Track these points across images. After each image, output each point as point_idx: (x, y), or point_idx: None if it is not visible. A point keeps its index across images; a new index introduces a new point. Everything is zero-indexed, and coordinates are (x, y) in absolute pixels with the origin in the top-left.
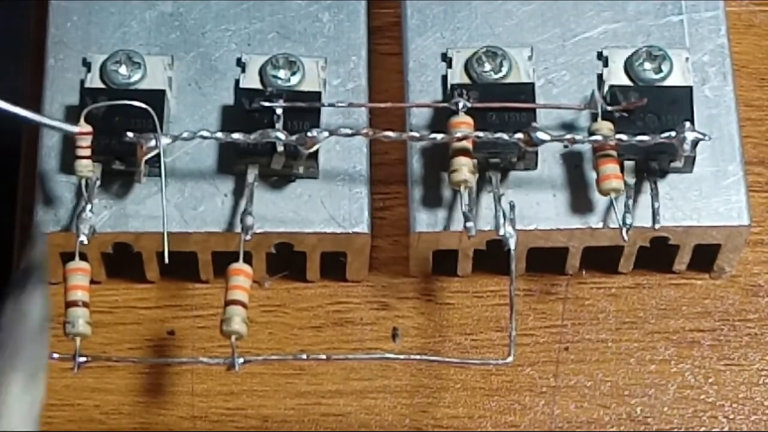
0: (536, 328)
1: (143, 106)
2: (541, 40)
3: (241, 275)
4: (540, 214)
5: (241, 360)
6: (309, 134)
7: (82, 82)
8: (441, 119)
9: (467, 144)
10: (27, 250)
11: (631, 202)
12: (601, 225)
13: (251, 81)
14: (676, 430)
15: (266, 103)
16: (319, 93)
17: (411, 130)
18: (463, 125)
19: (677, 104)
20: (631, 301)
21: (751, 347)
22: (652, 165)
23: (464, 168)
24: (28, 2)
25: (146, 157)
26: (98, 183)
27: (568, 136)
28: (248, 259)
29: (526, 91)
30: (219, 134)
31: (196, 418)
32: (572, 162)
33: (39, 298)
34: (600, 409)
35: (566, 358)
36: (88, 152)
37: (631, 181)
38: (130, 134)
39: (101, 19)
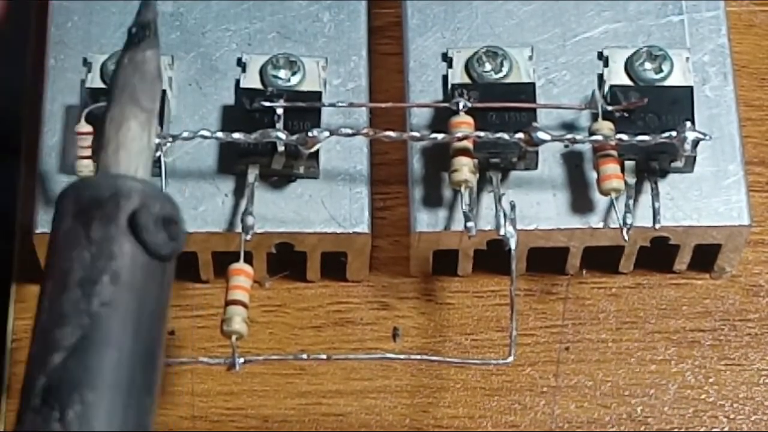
0: (537, 328)
1: None
2: (542, 40)
3: (242, 275)
4: (540, 214)
5: (242, 360)
6: (309, 134)
7: (83, 81)
8: (441, 119)
9: (468, 144)
10: (139, 13)
11: (631, 202)
12: (601, 225)
13: (252, 81)
14: (676, 430)
15: (267, 103)
16: (320, 93)
17: (411, 130)
18: (464, 125)
19: (678, 104)
20: (632, 301)
21: (752, 347)
22: (652, 165)
23: (465, 168)
24: (28, 2)
25: None
26: None
27: (569, 136)
28: (249, 259)
29: (527, 90)
30: (219, 134)
31: (196, 418)
32: (573, 162)
33: (152, 52)
34: (600, 409)
35: (567, 357)
36: (88, 152)
37: (632, 181)
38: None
39: (102, 19)
